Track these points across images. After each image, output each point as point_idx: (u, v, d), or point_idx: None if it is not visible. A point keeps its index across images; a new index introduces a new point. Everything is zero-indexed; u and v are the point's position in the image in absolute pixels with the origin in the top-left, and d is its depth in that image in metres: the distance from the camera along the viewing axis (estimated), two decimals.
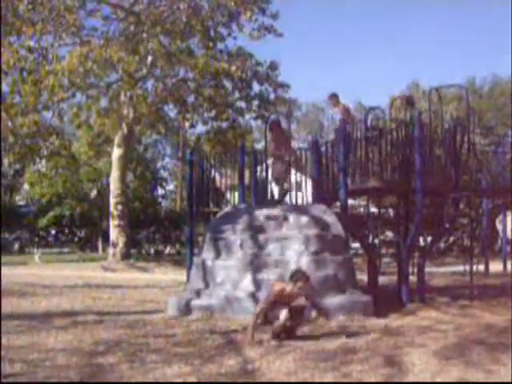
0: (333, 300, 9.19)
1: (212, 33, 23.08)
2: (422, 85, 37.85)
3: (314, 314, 7.84)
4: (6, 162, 22.58)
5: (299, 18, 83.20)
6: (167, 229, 37.04)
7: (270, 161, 12.77)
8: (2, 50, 16.83)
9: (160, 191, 45.66)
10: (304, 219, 10.41)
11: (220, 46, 23.58)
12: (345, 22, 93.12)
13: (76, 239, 39.39)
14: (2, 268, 19.29)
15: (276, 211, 10.81)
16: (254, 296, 9.08)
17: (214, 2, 21.96)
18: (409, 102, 13.43)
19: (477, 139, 16.39)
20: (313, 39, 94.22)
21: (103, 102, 22.91)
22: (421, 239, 14.58)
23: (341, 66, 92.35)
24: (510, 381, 5.50)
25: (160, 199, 45.60)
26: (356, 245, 18.88)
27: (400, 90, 40.03)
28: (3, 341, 7.19)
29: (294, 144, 13.60)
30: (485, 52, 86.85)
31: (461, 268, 15.81)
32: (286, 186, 12.88)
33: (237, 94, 24.35)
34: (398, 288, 11.40)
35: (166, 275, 18.78)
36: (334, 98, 13.46)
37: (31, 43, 18.43)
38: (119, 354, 6.59)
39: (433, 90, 12.77)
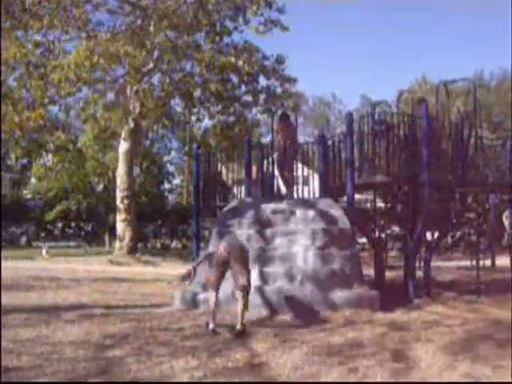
0: (339, 294, 9.20)
1: (218, 27, 23.07)
2: (431, 79, 37.73)
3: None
4: (13, 156, 22.65)
5: (306, 11, 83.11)
6: (174, 223, 37.06)
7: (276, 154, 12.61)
8: (8, 44, 16.85)
9: (166, 185, 45.77)
10: (311, 213, 10.40)
11: (226, 40, 23.58)
12: (352, 15, 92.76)
13: (83, 233, 39.50)
14: (10, 262, 19.42)
15: (283, 205, 10.81)
16: (260, 290, 9.10)
17: None
18: None
19: (484, 133, 16.32)
20: (320, 32, 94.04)
21: (110, 96, 22.97)
22: (428, 234, 14.53)
23: (348, 59, 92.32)
24: None
25: (166, 193, 45.68)
26: (363, 239, 18.86)
27: (409, 83, 39.95)
28: (11, 334, 7.23)
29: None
30: (494, 45, 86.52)
31: (467, 263, 15.78)
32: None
33: (243, 88, 24.34)
34: (404, 283, 11.39)
35: (173, 269, 18.80)
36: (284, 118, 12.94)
37: (38, 38, 18.46)
38: (126, 348, 6.62)
39: (440, 85, 12.73)
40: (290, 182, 12.16)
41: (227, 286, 9.49)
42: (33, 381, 5.40)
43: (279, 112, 14.98)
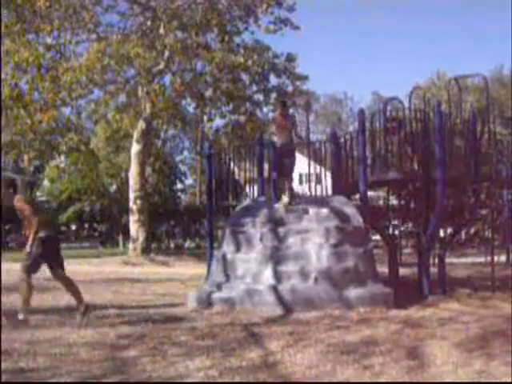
0: (353, 292, 9.18)
1: (229, 27, 23.08)
2: (448, 75, 37.51)
3: None
4: (25, 158, 22.78)
5: (317, 8, 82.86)
6: (187, 223, 37.15)
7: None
8: (20, 47, 16.97)
9: (179, 185, 45.89)
10: (324, 211, 10.38)
11: (237, 39, 23.58)
12: (365, 12, 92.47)
13: (96, 234, 39.67)
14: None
15: (296, 204, 10.79)
16: (274, 289, 9.10)
17: None
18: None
19: (497, 129, 16.21)
20: (331, 30, 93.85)
21: (121, 98, 23.07)
22: (441, 230, 14.45)
23: (360, 56, 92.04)
24: None
25: (179, 193, 45.81)
26: (377, 237, 18.80)
27: (423, 79, 39.74)
28: (27, 335, 7.27)
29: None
30: None
31: (482, 259, 15.68)
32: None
33: (254, 87, 24.35)
34: (418, 279, 11.34)
35: (187, 269, 18.84)
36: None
37: (49, 40, 18.57)
38: (141, 348, 6.62)
39: (452, 80, 12.65)
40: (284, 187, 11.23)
41: (239, 284, 9.52)
42: (37, 381, 5.44)
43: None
